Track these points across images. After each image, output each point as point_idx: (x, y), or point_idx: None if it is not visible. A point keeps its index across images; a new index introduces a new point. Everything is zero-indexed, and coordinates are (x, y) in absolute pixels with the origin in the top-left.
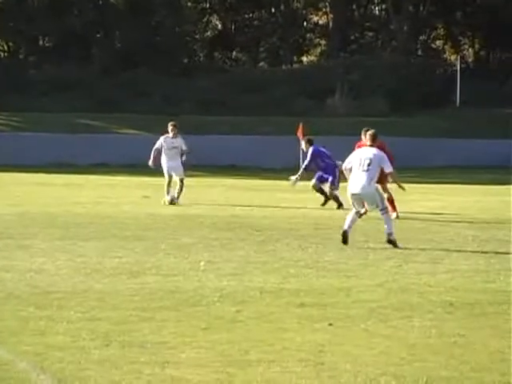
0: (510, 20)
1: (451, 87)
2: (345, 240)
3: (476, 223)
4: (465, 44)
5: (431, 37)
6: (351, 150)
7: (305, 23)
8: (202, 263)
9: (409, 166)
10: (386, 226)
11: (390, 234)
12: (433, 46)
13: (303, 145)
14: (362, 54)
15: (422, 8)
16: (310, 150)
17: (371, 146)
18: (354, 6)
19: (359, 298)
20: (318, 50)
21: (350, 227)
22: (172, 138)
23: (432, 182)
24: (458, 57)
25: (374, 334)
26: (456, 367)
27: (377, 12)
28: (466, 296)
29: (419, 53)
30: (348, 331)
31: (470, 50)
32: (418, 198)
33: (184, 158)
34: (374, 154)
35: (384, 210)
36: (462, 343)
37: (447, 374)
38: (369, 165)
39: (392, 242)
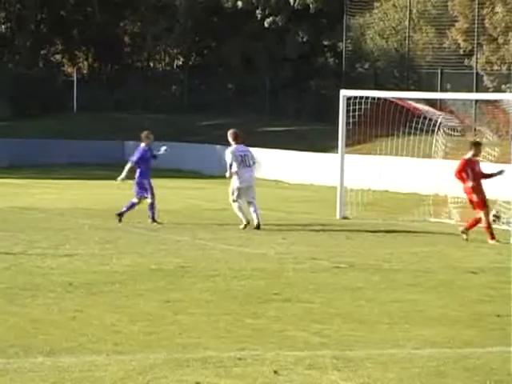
0: (116, 37)
1: (69, 95)
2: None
3: (90, 213)
4: (80, 57)
5: (51, 51)
6: None
7: None
8: None
9: (31, 164)
10: (258, 212)
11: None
12: (52, 59)
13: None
14: None
15: (42, 26)
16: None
17: (239, 143)
18: None
19: None
20: None
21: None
22: None
23: (52, 177)
24: (75, 69)
25: (2, 311)
26: (75, 339)
27: (2, 29)
28: (84, 277)
29: (40, 65)
30: None
31: (85, 62)
32: (40, 192)
33: None
34: (249, 150)
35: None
36: (81, 318)
37: (67, 344)
38: (251, 159)
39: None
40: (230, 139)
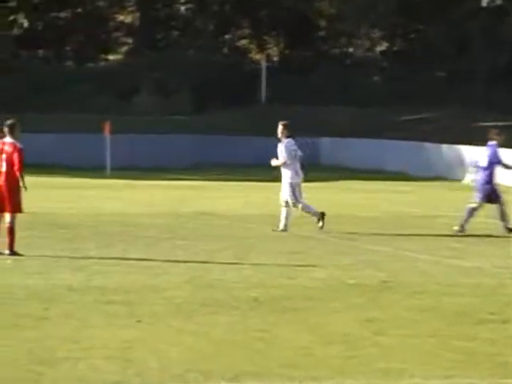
0: (310, 20)
1: (256, 85)
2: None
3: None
4: (270, 43)
5: (236, 36)
6: (155, 147)
7: (111, 22)
8: (9, 261)
9: (214, 164)
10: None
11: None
12: (238, 44)
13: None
14: (168, 53)
15: (226, 7)
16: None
17: (290, 136)
18: (160, 5)
19: (166, 294)
20: (125, 48)
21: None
22: None
23: (237, 179)
24: (264, 55)
25: (180, 330)
26: (262, 362)
27: (182, 11)
28: (272, 292)
29: (225, 51)
30: (155, 328)
31: (275, 48)
32: (223, 195)
33: None
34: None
35: None
36: (268, 339)
37: (254, 369)
38: (299, 153)
39: None
40: (285, 132)
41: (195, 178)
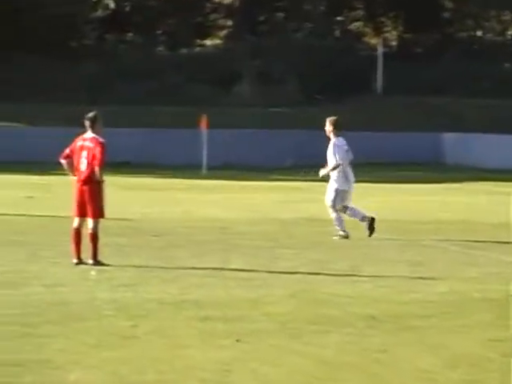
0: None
1: (372, 73)
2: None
3: (399, 226)
4: (387, 26)
5: (350, 18)
6: (256, 143)
7: (208, 2)
8: (93, 272)
9: (319, 162)
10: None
11: None
12: (351, 27)
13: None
14: (272, 37)
15: None
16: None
17: (340, 134)
18: None
19: (268, 310)
20: (224, 32)
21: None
22: None
23: None
24: (380, 40)
25: (285, 350)
26: None
27: None
28: (390, 308)
29: (336, 35)
30: (256, 348)
31: (394, 32)
32: None
33: None
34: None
35: None
36: (385, 360)
37: None
38: (351, 154)
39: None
40: (332, 128)
41: (298, 179)
